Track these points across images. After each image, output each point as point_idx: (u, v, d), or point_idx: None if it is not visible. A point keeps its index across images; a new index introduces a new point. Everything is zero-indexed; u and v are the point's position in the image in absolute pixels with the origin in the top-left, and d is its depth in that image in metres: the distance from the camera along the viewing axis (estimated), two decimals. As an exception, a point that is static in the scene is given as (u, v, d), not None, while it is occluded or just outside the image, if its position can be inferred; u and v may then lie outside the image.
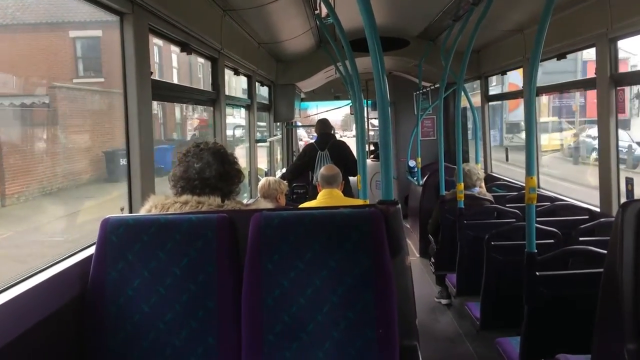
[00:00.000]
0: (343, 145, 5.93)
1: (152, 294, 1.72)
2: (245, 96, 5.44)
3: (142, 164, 2.43)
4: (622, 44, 3.55)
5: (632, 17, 3.23)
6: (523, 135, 3.75)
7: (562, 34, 3.99)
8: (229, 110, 4.40)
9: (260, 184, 3.98)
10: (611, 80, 3.52)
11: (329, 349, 1.66)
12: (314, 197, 3.90)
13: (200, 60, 4.52)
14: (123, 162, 2.43)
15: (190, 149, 2.00)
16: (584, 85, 4.42)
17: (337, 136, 7.62)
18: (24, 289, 1.59)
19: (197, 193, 1.92)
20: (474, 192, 4.50)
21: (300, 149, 9.29)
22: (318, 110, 10.94)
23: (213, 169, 1.94)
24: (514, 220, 3.77)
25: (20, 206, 5.59)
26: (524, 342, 2.63)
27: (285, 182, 4.10)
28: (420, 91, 7.64)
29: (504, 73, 5.88)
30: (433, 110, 7.97)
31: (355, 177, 4.38)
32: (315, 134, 6.33)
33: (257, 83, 5.50)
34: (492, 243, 3.25)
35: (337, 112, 11.83)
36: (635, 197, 3.40)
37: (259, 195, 3.95)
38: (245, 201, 3.31)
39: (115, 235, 1.75)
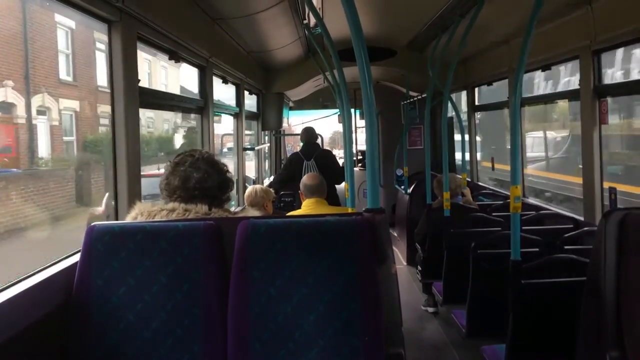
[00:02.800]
0: (329, 155, 5.94)
1: (138, 302, 1.71)
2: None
3: (128, 171, 2.42)
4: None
5: (615, 30, 3.29)
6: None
7: (547, 45, 4.06)
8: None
9: (247, 192, 3.96)
10: (594, 92, 3.57)
11: (315, 357, 1.66)
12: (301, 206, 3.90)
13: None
14: None
15: (185, 158, 1.99)
16: (568, 96, 4.49)
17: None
18: (6, 297, 1.57)
19: (185, 201, 1.92)
20: (459, 200, 4.54)
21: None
22: (303, 119, 10.85)
23: (215, 179, 1.95)
24: (500, 228, 3.80)
25: None
26: (509, 349, 2.65)
27: (272, 190, 4.09)
28: (408, 101, 7.69)
29: (489, 84, 5.95)
30: (420, 120, 8.03)
31: (343, 186, 4.38)
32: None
33: (245, 91, 5.50)
34: (478, 251, 3.27)
35: (325, 129, 10.99)
36: (618, 206, 3.45)
37: (246, 203, 3.94)
38: (232, 209, 3.30)
39: (101, 243, 1.74)
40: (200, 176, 1.94)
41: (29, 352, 1.59)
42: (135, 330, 1.69)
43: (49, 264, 1.91)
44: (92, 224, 1.80)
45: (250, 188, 3.97)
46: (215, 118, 4.16)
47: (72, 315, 1.71)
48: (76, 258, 1.83)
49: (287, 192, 5.63)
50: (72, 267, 1.81)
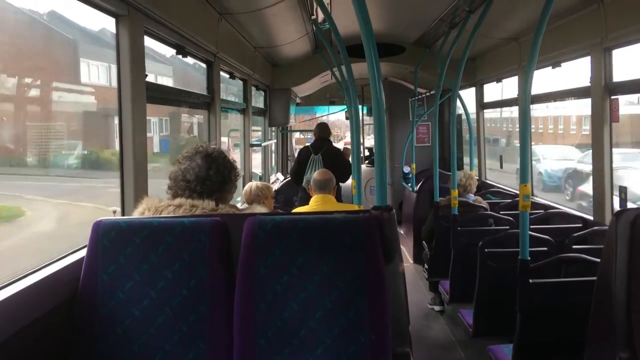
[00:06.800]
0: (337, 152, 5.95)
1: (143, 297, 1.70)
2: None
3: (135, 166, 2.41)
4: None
5: (627, 27, 3.25)
6: None
7: (558, 42, 4.01)
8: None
9: (244, 189, 3.92)
10: (605, 89, 3.53)
11: (321, 355, 1.65)
12: (306, 201, 3.88)
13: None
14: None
15: (194, 152, 2.00)
16: (579, 94, 4.44)
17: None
18: (12, 292, 1.57)
19: (191, 196, 1.92)
20: (469, 199, 4.51)
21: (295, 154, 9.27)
22: (313, 116, 10.82)
23: (196, 172, 1.94)
24: (508, 227, 3.77)
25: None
26: (517, 349, 2.63)
27: (271, 186, 4.06)
28: (416, 97, 7.66)
29: (498, 81, 5.90)
30: (428, 117, 7.99)
31: (349, 183, 4.36)
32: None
33: (252, 87, 5.49)
34: (486, 250, 3.24)
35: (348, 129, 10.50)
36: (629, 206, 3.41)
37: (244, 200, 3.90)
38: (239, 205, 3.29)
39: (107, 238, 1.74)
40: (186, 167, 1.94)
41: (35, 346, 1.59)
42: (140, 326, 1.69)
43: (55, 259, 1.91)
44: (99, 219, 1.80)
45: (248, 184, 3.92)
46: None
47: (78, 310, 1.71)
48: (82, 253, 1.82)
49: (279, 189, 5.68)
50: (78, 262, 1.81)
